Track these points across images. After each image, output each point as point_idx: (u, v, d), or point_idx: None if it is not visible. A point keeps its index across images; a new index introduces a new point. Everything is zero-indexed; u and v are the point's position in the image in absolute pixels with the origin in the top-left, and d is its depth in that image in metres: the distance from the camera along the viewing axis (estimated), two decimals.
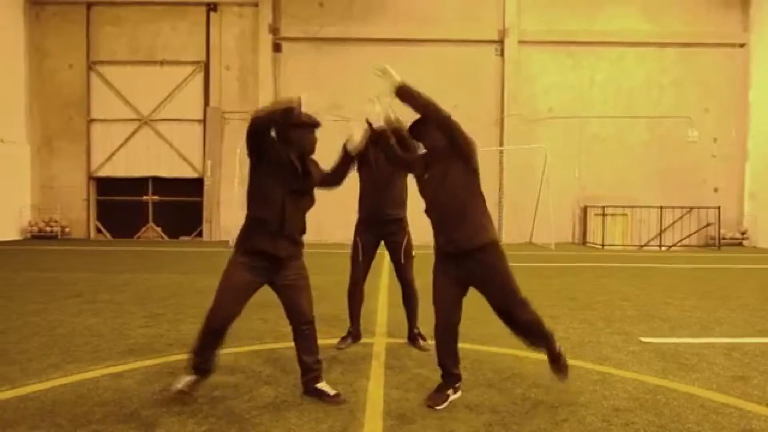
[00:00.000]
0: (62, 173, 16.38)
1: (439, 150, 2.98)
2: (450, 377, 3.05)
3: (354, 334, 4.18)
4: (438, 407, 2.92)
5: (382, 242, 4.13)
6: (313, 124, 2.97)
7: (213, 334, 2.90)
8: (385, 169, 3.98)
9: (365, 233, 4.07)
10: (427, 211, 3.04)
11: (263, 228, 2.91)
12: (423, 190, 3.04)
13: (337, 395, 2.97)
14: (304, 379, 3.06)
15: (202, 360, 2.92)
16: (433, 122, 2.93)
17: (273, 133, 2.92)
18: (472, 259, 2.88)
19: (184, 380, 2.91)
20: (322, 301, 5.80)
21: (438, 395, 2.99)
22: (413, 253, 4.17)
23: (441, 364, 3.08)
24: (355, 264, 4.10)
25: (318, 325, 4.73)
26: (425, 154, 3.11)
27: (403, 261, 4.10)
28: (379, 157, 3.96)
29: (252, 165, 2.98)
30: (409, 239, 4.13)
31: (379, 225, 4.06)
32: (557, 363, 3.05)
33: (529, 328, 2.99)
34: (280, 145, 2.93)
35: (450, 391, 3.03)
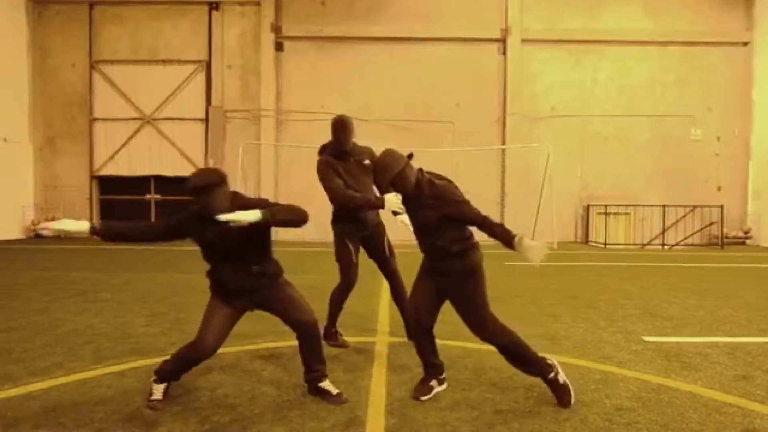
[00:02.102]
0: (65, 172, 16.40)
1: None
2: (432, 368, 3.13)
3: (337, 331, 4.19)
4: (423, 398, 2.99)
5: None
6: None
7: (196, 363, 2.95)
8: (362, 183, 3.94)
9: (353, 238, 4.01)
10: None
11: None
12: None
13: (339, 395, 2.97)
14: (306, 378, 3.06)
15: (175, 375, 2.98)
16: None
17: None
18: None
19: (158, 391, 2.92)
20: (322, 300, 5.79)
21: (422, 387, 3.07)
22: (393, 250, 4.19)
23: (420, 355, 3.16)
24: (351, 267, 4.03)
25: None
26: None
27: (389, 254, 4.11)
28: (355, 172, 3.92)
29: None
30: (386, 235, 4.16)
31: (363, 231, 4.05)
32: (555, 390, 2.96)
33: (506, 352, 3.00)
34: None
35: (434, 383, 3.10)
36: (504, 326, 2.96)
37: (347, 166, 3.92)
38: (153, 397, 2.88)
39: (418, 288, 3.10)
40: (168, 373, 2.93)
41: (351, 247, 4.01)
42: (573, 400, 2.91)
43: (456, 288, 2.93)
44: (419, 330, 3.14)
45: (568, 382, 2.96)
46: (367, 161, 3.98)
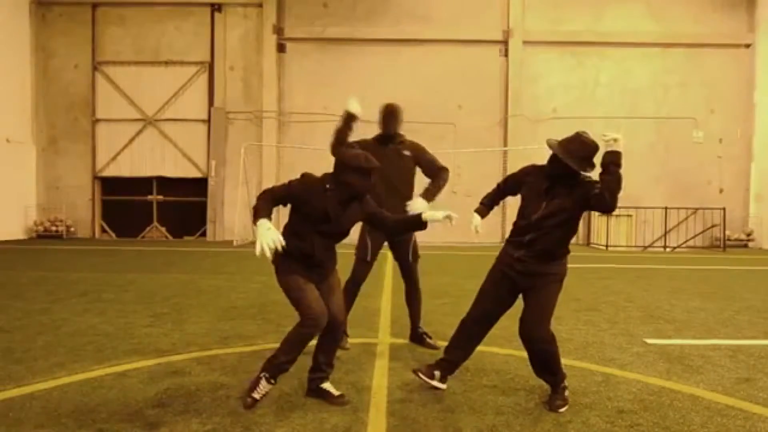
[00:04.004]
0: (67, 173, 16.45)
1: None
2: (451, 365, 3.13)
3: (345, 331, 4.16)
4: (422, 375, 3.04)
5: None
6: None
7: (312, 338, 2.92)
8: (397, 170, 3.99)
9: (376, 234, 4.03)
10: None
11: None
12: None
13: (341, 396, 2.97)
14: (311, 376, 3.05)
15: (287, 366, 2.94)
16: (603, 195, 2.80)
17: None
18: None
19: (264, 389, 2.90)
20: None
21: (428, 370, 3.08)
22: (419, 253, 4.18)
23: (451, 354, 3.13)
24: (362, 264, 4.06)
25: None
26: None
27: (411, 260, 4.11)
28: (391, 158, 3.97)
29: None
30: (415, 239, 4.14)
31: None
32: (555, 395, 2.98)
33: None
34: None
35: (438, 374, 3.10)
36: (554, 334, 2.99)
37: (385, 151, 3.99)
38: (257, 395, 2.86)
39: (493, 292, 3.06)
40: (284, 365, 2.90)
41: (369, 244, 4.02)
42: (562, 411, 2.89)
43: (542, 288, 2.95)
44: (477, 333, 3.11)
45: (568, 395, 3.00)
46: (407, 152, 4.05)
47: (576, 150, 2.87)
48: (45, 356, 3.78)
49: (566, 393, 3.00)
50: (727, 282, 8.12)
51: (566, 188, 2.85)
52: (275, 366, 2.89)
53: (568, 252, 3.01)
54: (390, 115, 4.03)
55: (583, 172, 2.86)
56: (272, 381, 2.92)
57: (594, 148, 2.91)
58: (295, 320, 2.96)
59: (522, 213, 2.99)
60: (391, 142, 4.05)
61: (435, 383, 3.09)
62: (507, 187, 3.21)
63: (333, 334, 3.01)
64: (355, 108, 3.86)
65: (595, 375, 3.50)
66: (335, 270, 3.09)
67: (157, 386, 3.18)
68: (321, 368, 3.03)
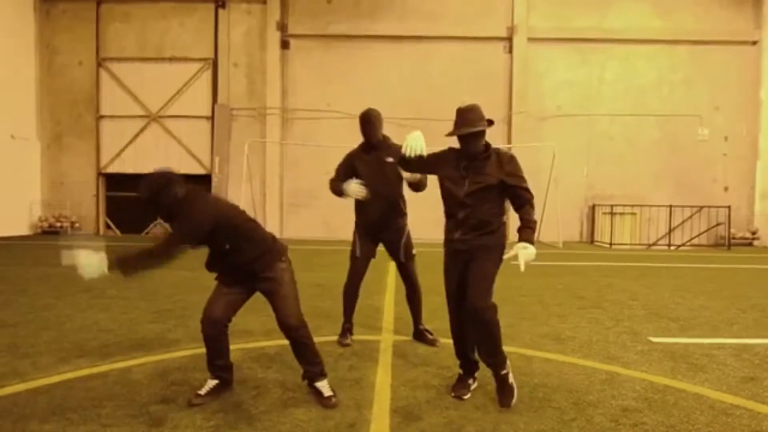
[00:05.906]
0: (72, 169, 16.50)
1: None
2: (472, 365, 3.16)
3: (350, 329, 4.20)
4: (465, 397, 3.02)
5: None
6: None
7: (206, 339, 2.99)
8: (380, 177, 3.93)
9: (363, 235, 4.09)
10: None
11: None
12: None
13: (329, 398, 2.90)
14: (303, 377, 3.06)
15: (215, 367, 3.00)
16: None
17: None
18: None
19: (207, 386, 2.97)
20: (328, 298, 5.82)
21: (461, 385, 3.10)
22: (414, 251, 4.18)
23: (459, 354, 3.17)
24: (353, 263, 4.12)
25: (322, 321, 4.74)
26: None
27: (403, 259, 4.11)
28: (373, 166, 3.94)
29: None
30: (408, 237, 4.14)
31: (374, 229, 4.08)
32: (501, 388, 2.97)
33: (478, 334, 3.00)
34: None
35: (471, 380, 3.15)
36: (496, 306, 2.95)
37: (368, 159, 3.99)
38: (202, 391, 2.94)
39: (454, 283, 3.12)
40: (208, 364, 3.01)
41: (359, 244, 4.08)
42: (513, 403, 2.89)
43: (481, 259, 2.97)
44: (463, 328, 3.14)
45: (515, 384, 2.98)
46: (390, 159, 3.95)
47: (473, 117, 3.00)
48: (50, 352, 3.80)
49: (510, 380, 2.97)
50: (732, 280, 8.08)
51: (482, 162, 3.01)
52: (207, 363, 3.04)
53: (503, 223, 3.07)
54: (366, 123, 3.96)
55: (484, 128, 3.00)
56: (213, 378, 3.00)
57: (477, 105, 3.06)
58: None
59: (448, 195, 3.09)
60: (374, 150, 4.00)
61: (473, 387, 3.14)
62: (428, 161, 3.24)
63: (291, 339, 2.98)
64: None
65: (599, 373, 3.49)
66: (282, 278, 2.99)
67: (162, 382, 3.19)
68: (305, 370, 3.01)
